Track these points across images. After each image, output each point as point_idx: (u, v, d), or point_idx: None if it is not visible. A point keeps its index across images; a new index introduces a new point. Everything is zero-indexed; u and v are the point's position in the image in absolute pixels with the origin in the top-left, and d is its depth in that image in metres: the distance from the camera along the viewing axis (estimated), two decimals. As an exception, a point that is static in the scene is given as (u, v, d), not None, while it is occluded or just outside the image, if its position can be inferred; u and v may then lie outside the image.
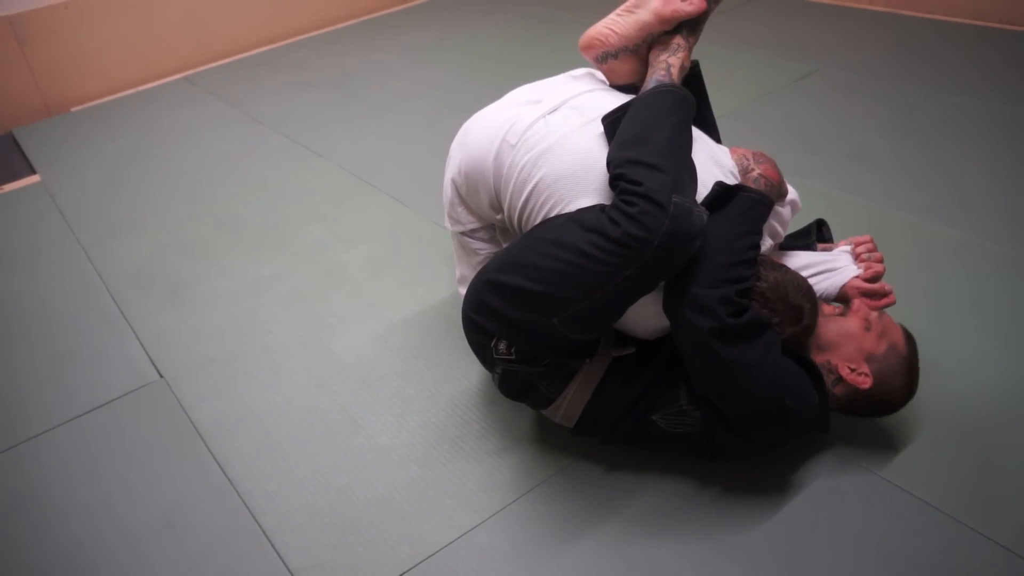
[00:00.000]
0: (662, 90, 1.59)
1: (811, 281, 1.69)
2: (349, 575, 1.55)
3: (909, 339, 1.63)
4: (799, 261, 1.78)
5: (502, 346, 1.57)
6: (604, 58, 1.79)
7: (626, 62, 1.78)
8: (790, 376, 1.50)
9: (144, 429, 2.01)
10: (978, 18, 3.90)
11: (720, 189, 1.53)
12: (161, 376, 2.20)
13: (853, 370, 1.57)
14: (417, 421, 1.91)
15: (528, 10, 4.92)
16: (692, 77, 1.79)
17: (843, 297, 1.72)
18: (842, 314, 1.64)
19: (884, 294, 1.71)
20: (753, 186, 1.59)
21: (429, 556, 1.57)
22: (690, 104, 1.60)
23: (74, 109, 4.50)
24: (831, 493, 1.60)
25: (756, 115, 3.19)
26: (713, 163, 1.61)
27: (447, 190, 1.87)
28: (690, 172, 1.51)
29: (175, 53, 4.76)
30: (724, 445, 1.56)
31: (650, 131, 1.50)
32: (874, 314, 1.62)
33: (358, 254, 2.63)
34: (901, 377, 1.59)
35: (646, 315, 1.55)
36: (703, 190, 1.54)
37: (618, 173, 1.46)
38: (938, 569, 1.42)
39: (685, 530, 1.55)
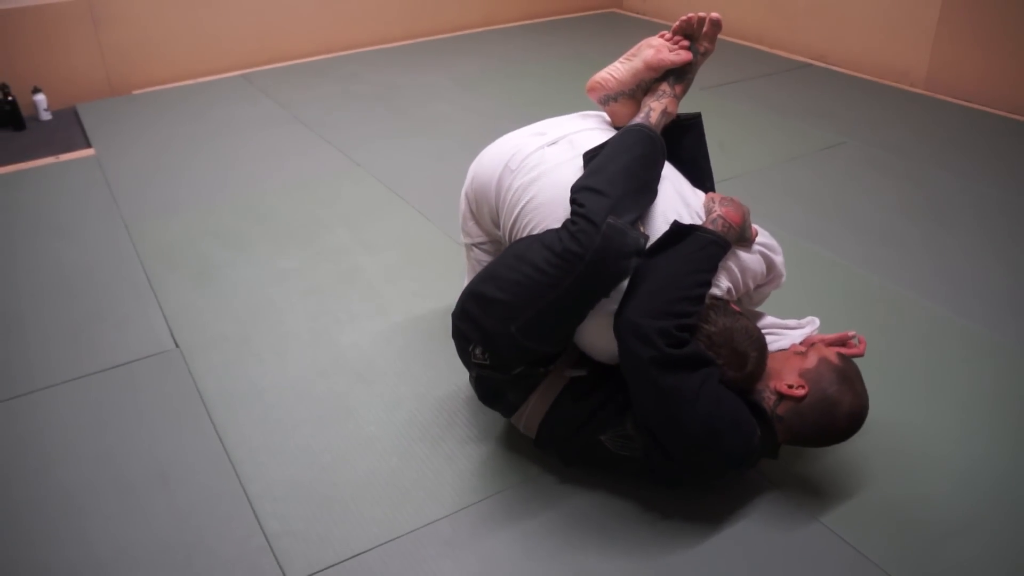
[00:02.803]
0: (631, 129, 1.77)
1: (767, 338, 1.79)
2: (318, 545, 1.67)
3: (844, 357, 1.69)
4: (763, 321, 1.87)
5: (478, 351, 1.70)
6: (606, 100, 1.94)
7: (625, 105, 1.92)
8: (727, 409, 1.59)
9: (153, 392, 2.16)
10: (1014, 111, 3.98)
11: (675, 228, 1.66)
12: (177, 346, 2.35)
13: (790, 386, 1.64)
14: (404, 417, 2.03)
15: (579, 51, 5.10)
16: (692, 126, 1.93)
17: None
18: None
19: (851, 342, 1.77)
20: (711, 227, 1.70)
21: (394, 539, 1.68)
22: (655, 142, 1.75)
23: (136, 92, 4.73)
24: (767, 528, 1.68)
25: (778, 177, 3.30)
26: (680, 200, 1.75)
27: (461, 203, 2.03)
28: (638, 199, 1.65)
29: (236, 51, 4.99)
30: (661, 471, 1.66)
31: (607, 163, 1.68)
32: (812, 343, 1.72)
33: (377, 259, 2.78)
34: (835, 385, 1.62)
35: (602, 339, 1.67)
36: (663, 223, 1.67)
37: (572, 198, 1.65)
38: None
39: (631, 549, 1.65)
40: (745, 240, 1.76)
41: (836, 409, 1.62)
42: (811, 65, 4.74)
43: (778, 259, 1.86)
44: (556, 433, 1.74)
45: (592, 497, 1.77)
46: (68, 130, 4.23)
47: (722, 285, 1.72)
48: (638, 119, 1.81)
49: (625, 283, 1.62)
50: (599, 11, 6.16)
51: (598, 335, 1.67)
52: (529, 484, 1.81)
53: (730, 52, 5.02)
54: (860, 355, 1.74)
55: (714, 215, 1.72)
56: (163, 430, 2.02)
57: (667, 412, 1.57)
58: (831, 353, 1.68)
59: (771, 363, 1.70)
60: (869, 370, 1.75)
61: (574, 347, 1.77)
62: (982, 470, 1.83)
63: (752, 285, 1.82)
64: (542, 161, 1.82)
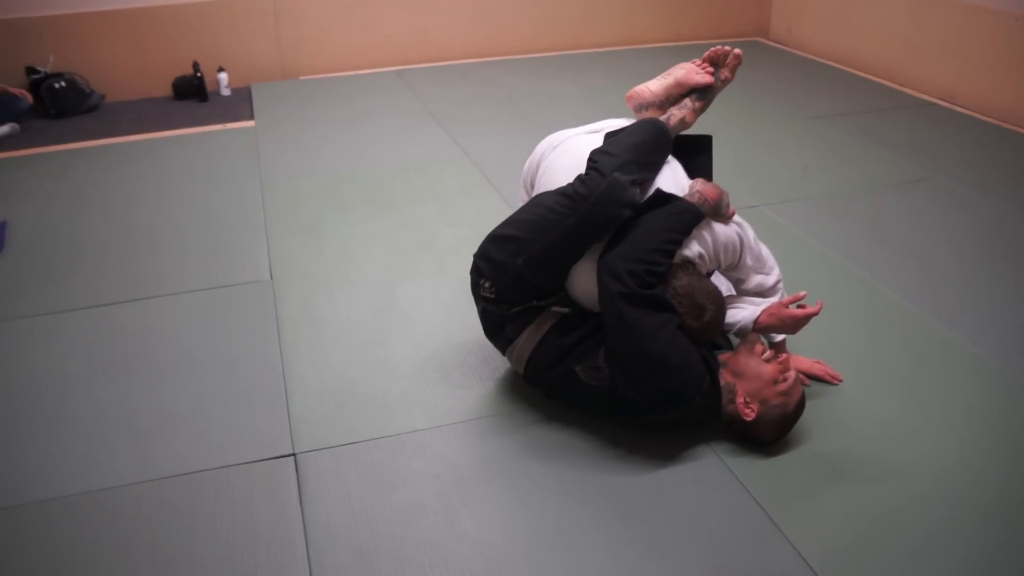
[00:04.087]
0: (649, 119, 2.14)
1: (731, 309, 2.05)
2: (322, 430, 2.09)
3: (799, 406, 1.95)
4: (730, 296, 2.15)
5: (487, 284, 2.05)
6: (639, 108, 2.26)
7: (654, 113, 2.22)
8: (683, 349, 1.87)
9: (239, 310, 2.67)
10: None
11: (657, 195, 1.98)
12: (271, 278, 2.85)
13: (746, 403, 1.91)
14: (427, 353, 2.41)
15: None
16: (705, 146, 2.25)
17: (762, 329, 2.03)
18: (768, 359, 1.94)
19: (802, 304, 2.00)
20: (689, 198, 1.99)
21: (383, 437, 2.07)
22: (664, 134, 2.10)
23: (303, 77, 5.43)
24: (696, 484, 1.90)
25: (852, 204, 3.36)
26: (674, 182, 2.07)
27: (524, 169, 2.40)
28: (641, 169, 1.98)
29: (394, 49, 5.59)
30: (622, 402, 1.93)
31: (624, 138, 2.06)
32: (791, 374, 1.93)
33: (453, 232, 3.18)
34: (774, 428, 1.94)
35: (590, 283, 1.97)
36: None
37: (590, 157, 2.03)
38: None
39: (567, 469, 1.93)
40: (720, 215, 2.02)
41: (765, 437, 1.96)
42: (936, 104, 4.72)
43: (748, 235, 2.07)
44: (541, 364, 2.06)
45: (556, 430, 2.07)
46: (240, 105, 4.95)
47: (693, 249, 1.98)
48: (660, 117, 2.14)
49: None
50: (743, 39, 6.32)
51: (588, 279, 1.98)
52: (507, 415, 2.14)
53: (856, 86, 5.07)
54: (815, 314, 1.97)
55: (694, 190, 2.00)
56: (237, 336, 2.52)
57: (630, 342, 1.87)
58: (794, 400, 1.92)
59: (745, 362, 1.94)
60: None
61: (566, 295, 2.08)
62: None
63: (723, 257, 2.05)
64: (569, 138, 2.21)
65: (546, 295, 2.05)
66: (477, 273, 2.09)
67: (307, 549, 1.74)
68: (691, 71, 2.19)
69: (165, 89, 5.17)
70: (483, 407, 2.18)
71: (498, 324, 2.11)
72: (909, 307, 2.63)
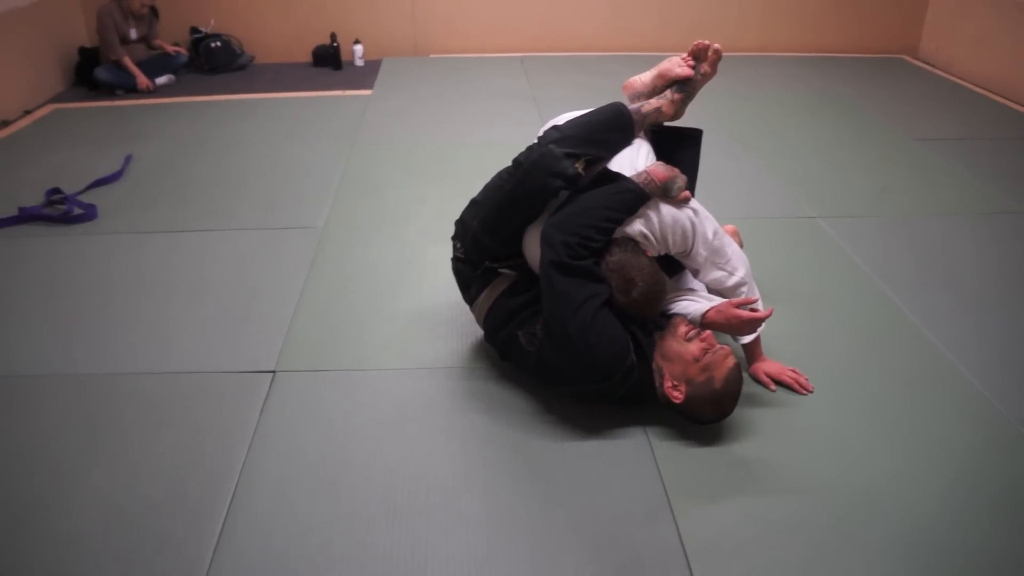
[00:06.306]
0: (611, 103, 2.20)
1: (681, 302, 2.08)
2: (306, 356, 2.33)
3: (728, 382, 1.93)
4: (685, 281, 2.21)
5: (457, 244, 2.21)
6: (633, 98, 2.33)
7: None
8: (604, 323, 1.91)
9: (285, 249, 2.97)
10: None
11: (602, 173, 2.06)
12: (323, 227, 3.14)
13: (674, 386, 1.96)
14: (429, 305, 2.60)
15: (829, 87, 5.15)
16: (693, 139, 2.30)
17: (708, 325, 2.06)
18: (690, 338, 1.98)
19: (754, 308, 2.04)
20: (635, 179, 2.03)
21: (353, 369, 2.29)
22: (622, 115, 2.17)
23: (432, 56, 5.74)
24: (613, 458, 1.96)
25: (916, 228, 3.20)
26: (629, 165, 2.11)
27: None
28: (587, 147, 2.06)
29: (520, 36, 5.80)
30: (548, 364, 2.01)
31: (580, 117, 2.16)
32: (711, 352, 1.94)
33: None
34: (707, 407, 1.95)
35: (537, 248, 2.06)
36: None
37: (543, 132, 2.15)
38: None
39: (508, 441, 2.04)
40: (670, 197, 2.05)
41: (702, 416, 1.98)
42: (1073, 140, 4.36)
43: (705, 225, 2.08)
44: (491, 324, 2.19)
45: (503, 388, 2.20)
46: (368, 75, 5.33)
47: (635, 228, 2.03)
48: (632, 104, 2.21)
49: None
50: (886, 55, 6.03)
51: (537, 248, 2.09)
52: (466, 369, 2.29)
53: (986, 112, 4.75)
54: (763, 318, 2.01)
55: (642, 171, 2.06)
56: (275, 270, 2.82)
57: (555, 311, 1.96)
58: (720, 373, 1.92)
59: (670, 345, 1.99)
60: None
61: (520, 261, 2.19)
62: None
63: (672, 241, 2.07)
64: (564, 117, 2.29)
65: (500, 258, 2.18)
66: (454, 235, 2.26)
67: (245, 457, 1.97)
68: (673, 63, 2.25)
69: (306, 56, 5.64)
70: (449, 358, 2.34)
71: (466, 283, 2.27)
72: (927, 336, 2.50)
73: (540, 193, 2.05)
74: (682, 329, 2.01)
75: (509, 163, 2.19)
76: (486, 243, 2.14)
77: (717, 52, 2.22)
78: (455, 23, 5.73)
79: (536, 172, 2.04)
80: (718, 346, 1.98)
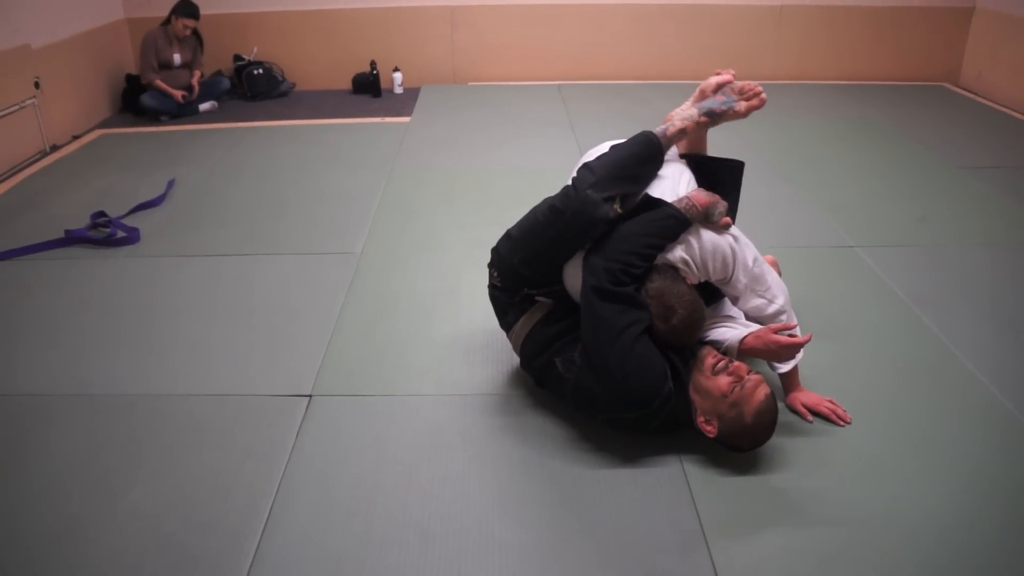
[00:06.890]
0: (641, 133, 2.19)
1: (719, 328, 2.07)
2: (342, 381, 2.34)
3: (760, 414, 1.90)
4: (723, 309, 2.19)
5: (495, 273, 2.23)
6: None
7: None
8: (643, 351, 1.92)
9: (323, 274, 3.01)
10: None
11: (644, 199, 2.06)
12: (361, 252, 3.18)
13: (706, 420, 1.95)
14: (465, 332, 2.61)
15: (868, 115, 5.12)
16: (735, 170, 2.29)
17: (746, 350, 2.04)
18: (717, 371, 1.94)
19: (793, 334, 2.03)
20: (677, 205, 2.04)
21: (389, 395, 2.30)
22: (652, 145, 2.15)
23: (471, 83, 5.81)
24: (648, 486, 1.93)
25: (956, 257, 3.15)
26: (671, 189, 2.12)
27: None
28: (622, 184, 2.05)
29: (560, 64, 5.85)
30: (586, 391, 2.00)
31: (611, 154, 2.15)
32: (739, 385, 1.91)
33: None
34: (742, 440, 1.94)
35: (578, 278, 2.07)
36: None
37: (576, 172, 2.13)
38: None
39: (542, 469, 2.03)
40: (711, 223, 2.06)
41: (740, 446, 1.97)
42: None
43: (746, 252, 2.08)
44: (528, 351, 2.20)
45: (539, 416, 2.19)
46: (407, 102, 5.41)
47: (676, 254, 2.04)
48: (657, 128, 2.21)
49: None
50: (927, 83, 5.98)
51: (577, 276, 2.10)
52: (502, 396, 2.29)
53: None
54: (803, 344, 1.99)
55: (683, 197, 2.06)
56: (313, 294, 2.85)
57: (595, 337, 1.97)
58: (750, 408, 1.89)
59: (702, 381, 1.96)
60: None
61: (559, 288, 2.18)
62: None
63: (712, 267, 2.06)
64: (598, 150, 2.30)
65: (537, 285, 2.19)
66: (490, 263, 2.27)
67: (281, 479, 1.99)
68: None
69: (346, 83, 5.74)
70: (484, 385, 2.35)
71: (503, 310, 2.28)
72: (967, 366, 2.46)
73: (583, 237, 2.06)
74: (709, 362, 1.98)
75: (546, 192, 2.20)
76: (528, 276, 2.15)
77: (762, 101, 2.22)
78: (493, 51, 5.79)
79: (579, 220, 2.03)
80: (748, 377, 1.95)
